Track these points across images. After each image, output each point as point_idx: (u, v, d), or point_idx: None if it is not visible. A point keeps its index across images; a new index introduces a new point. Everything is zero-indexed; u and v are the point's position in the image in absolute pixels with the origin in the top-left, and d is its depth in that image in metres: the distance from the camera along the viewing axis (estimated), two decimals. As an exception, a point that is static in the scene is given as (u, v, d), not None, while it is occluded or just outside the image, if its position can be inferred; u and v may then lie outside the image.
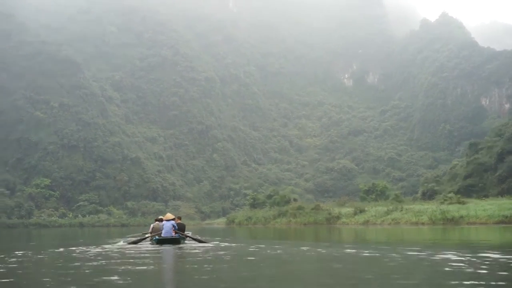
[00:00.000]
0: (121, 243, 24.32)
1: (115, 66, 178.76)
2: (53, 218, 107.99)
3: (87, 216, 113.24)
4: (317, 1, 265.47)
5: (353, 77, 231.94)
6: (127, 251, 18.90)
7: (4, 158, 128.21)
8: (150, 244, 22.90)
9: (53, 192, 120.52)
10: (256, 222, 75.14)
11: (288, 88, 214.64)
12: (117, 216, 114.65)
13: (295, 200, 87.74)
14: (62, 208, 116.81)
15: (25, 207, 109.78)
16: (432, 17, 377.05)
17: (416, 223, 48.92)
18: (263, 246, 20.88)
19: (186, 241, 23.50)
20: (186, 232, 24.55)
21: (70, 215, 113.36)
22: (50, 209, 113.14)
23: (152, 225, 24.07)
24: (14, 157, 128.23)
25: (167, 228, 22.03)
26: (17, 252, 18.85)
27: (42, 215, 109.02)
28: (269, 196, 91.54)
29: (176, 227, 22.54)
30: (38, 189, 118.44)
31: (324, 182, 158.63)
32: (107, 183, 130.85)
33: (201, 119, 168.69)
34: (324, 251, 17.89)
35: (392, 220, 53.05)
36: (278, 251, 18.52)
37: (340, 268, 12.62)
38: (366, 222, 55.59)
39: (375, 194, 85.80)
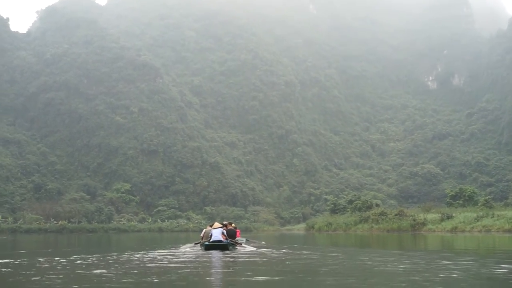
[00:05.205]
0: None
1: (194, 70, 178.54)
2: (132, 222, 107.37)
3: (166, 221, 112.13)
4: (399, 2, 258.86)
5: (438, 79, 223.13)
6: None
7: (85, 163, 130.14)
8: (200, 249, 22.73)
9: (133, 197, 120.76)
10: (337, 228, 72.53)
11: (370, 91, 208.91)
12: (196, 221, 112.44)
13: (377, 205, 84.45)
14: (141, 213, 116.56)
15: (105, 211, 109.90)
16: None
17: (510, 230, 45.61)
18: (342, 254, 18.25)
19: (237, 247, 23.42)
20: (237, 239, 25.05)
21: (150, 220, 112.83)
22: (129, 214, 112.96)
23: (204, 230, 24.15)
24: (95, 162, 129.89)
25: (216, 233, 21.94)
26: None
27: (122, 219, 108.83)
28: (350, 202, 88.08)
29: (225, 233, 22.59)
30: (119, 194, 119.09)
31: (408, 188, 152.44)
32: (186, 188, 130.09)
33: (281, 123, 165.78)
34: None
35: (483, 227, 49.78)
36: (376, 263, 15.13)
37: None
38: (454, 229, 52.57)
39: (463, 199, 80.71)
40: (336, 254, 20.30)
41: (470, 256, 18.64)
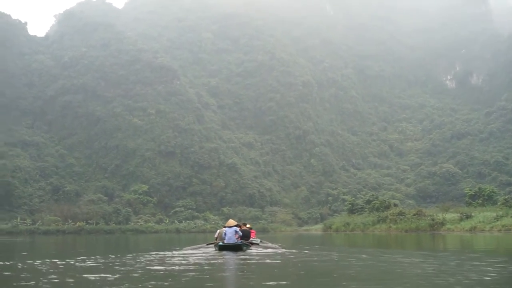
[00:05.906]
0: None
1: (211, 72, 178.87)
2: (149, 224, 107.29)
3: (183, 222, 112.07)
4: (416, 1, 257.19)
5: (456, 78, 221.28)
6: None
7: (103, 165, 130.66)
8: (213, 250, 22.50)
9: (150, 198, 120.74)
10: (354, 228, 72.56)
11: (388, 91, 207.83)
12: (213, 222, 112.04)
13: (395, 205, 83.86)
14: (159, 214, 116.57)
15: (122, 213, 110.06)
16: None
17: (530, 229, 44.82)
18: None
19: (251, 248, 23.28)
20: (251, 239, 24.88)
21: (167, 221, 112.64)
22: (147, 215, 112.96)
23: (218, 231, 23.83)
24: (112, 163, 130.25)
25: (229, 234, 21.75)
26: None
27: (139, 221, 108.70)
28: (368, 202, 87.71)
29: (240, 233, 22.43)
30: (136, 195, 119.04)
31: (426, 187, 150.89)
32: (204, 189, 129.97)
33: (298, 124, 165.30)
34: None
35: (503, 226, 49.27)
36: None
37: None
38: (473, 229, 52.23)
39: (482, 199, 79.69)
40: (356, 255, 20.03)
41: (494, 256, 18.32)
